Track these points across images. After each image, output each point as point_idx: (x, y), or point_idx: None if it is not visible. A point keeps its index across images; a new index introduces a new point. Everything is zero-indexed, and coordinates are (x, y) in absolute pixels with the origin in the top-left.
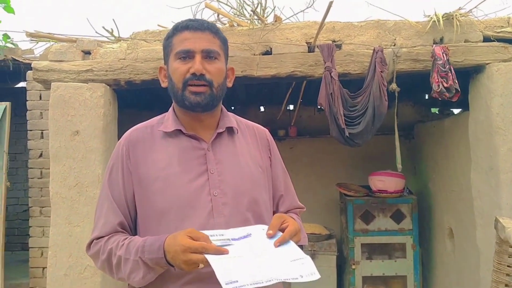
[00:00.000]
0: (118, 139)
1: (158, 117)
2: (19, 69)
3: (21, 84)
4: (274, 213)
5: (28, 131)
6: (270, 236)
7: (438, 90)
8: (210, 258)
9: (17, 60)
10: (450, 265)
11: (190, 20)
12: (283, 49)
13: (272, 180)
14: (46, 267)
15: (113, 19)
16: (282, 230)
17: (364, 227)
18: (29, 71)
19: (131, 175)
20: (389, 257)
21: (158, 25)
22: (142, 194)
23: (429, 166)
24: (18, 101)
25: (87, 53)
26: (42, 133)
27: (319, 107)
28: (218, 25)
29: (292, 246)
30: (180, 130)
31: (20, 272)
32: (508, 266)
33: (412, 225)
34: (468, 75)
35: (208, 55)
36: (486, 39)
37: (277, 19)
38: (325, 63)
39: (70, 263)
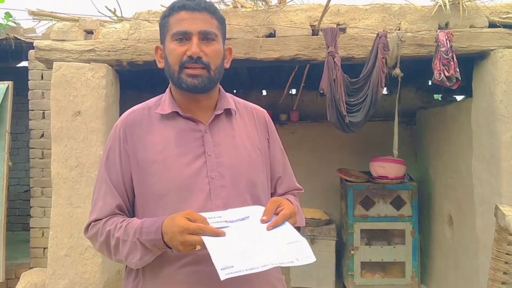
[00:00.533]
0: None
1: (155, 99)
2: (21, 48)
3: (23, 64)
4: (272, 195)
5: (29, 111)
6: (265, 222)
7: (439, 79)
8: (207, 240)
9: (19, 39)
10: (449, 252)
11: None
12: (287, 32)
13: (270, 162)
14: (47, 248)
15: None
16: (278, 214)
17: (364, 213)
18: (31, 50)
19: (129, 158)
20: (388, 243)
21: (161, 6)
22: (140, 176)
23: (430, 153)
24: (20, 80)
25: (89, 32)
26: (43, 113)
27: (321, 92)
28: (222, 6)
29: (288, 228)
30: (177, 112)
31: (21, 252)
32: (507, 253)
33: (411, 212)
34: (472, 61)
35: (205, 37)
36: (492, 25)
37: (281, 1)
38: (328, 47)
39: (71, 244)
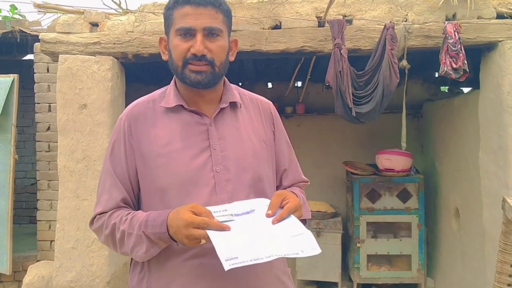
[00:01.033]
0: None
1: (160, 91)
2: (27, 41)
3: (29, 57)
4: (278, 188)
5: (35, 104)
6: (270, 216)
7: (443, 72)
8: (211, 234)
9: (24, 32)
10: (455, 244)
11: None
12: (293, 24)
13: (276, 154)
14: (53, 240)
15: None
16: (283, 208)
17: (370, 206)
18: (36, 43)
19: (134, 151)
20: (394, 236)
21: None
22: (145, 170)
23: (436, 145)
24: (26, 73)
25: (94, 25)
26: (49, 106)
27: (327, 84)
28: None
29: (293, 221)
30: (182, 105)
31: (28, 244)
32: None
33: (418, 204)
34: (479, 52)
35: (209, 33)
36: (500, 16)
37: None
38: (334, 39)
39: (77, 237)
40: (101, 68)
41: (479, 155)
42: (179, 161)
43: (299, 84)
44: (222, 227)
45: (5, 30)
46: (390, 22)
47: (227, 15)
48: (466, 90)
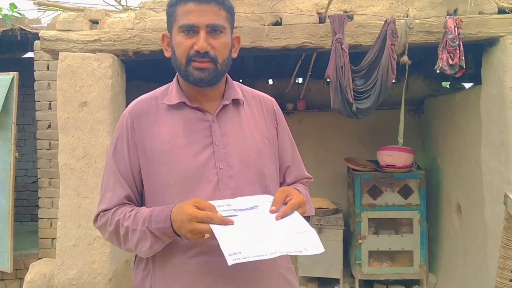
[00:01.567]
0: None
1: (162, 88)
2: (27, 38)
3: (29, 54)
4: (281, 184)
5: (36, 102)
6: (273, 212)
7: (438, 68)
8: (215, 228)
9: (24, 30)
10: (457, 240)
11: None
12: (294, 20)
13: (279, 151)
14: (55, 238)
15: None
16: (286, 204)
17: (372, 202)
18: (36, 41)
19: (137, 148)
20: (396, 232)
21: None
22: (148, 167)
23: (438, 141)
24: (26, 71)
25: (94, 22)
26: (50, 104)
27: (326, 79)
28: None
29: (297, 218)
30: (184, 102)
31: (30, 242)
32: None
33: (419, 201)
34: (481, 48)
35: (213, 30)
36: (501, 11)
37: None
38: (335, 34)
39: (79, 234)
40: (101, 65)
41: (480, 151)
42: (182, 158)
43: (300, 80)
44: (225, 221)
45: (5, 28)
46: (391, 18)
47: (230, 11)
48: (467, 85)
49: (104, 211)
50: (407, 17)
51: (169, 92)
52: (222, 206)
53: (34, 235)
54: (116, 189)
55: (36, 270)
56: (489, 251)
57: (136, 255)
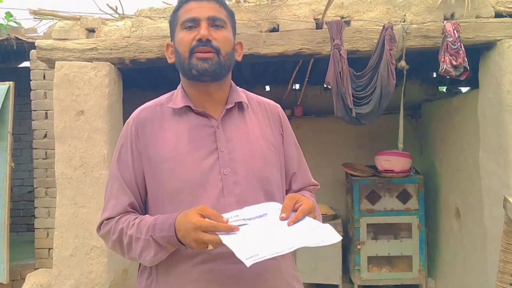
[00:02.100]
0: (123, 119)
1: (167, 95)
2: (23, 48)
3: (25, 64)
4: (287, 191)
5: (32, 111)
6: (284, 219)
7: (442, 71)
8: (225, 239)
9: (20, 39)
10: (456, 245)
11: None
12: (291, 26)
13: (285, 158)
14: (52, 248)
15: None
16: (296, 211)
17: (370, 207)
18: (32, 50)
19: (141, 155)
20: (394, 237)
21: (163, 2)
22: (152, 174)
23: (436, 146)
24: (22, 81)
25: (91, 31)
26: (46, 113)
27: (325, 86)
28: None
29: (308, 220)
30: (189, 106)
31: (26, 253)
32: None
33: (418, 205)
34: (478, 52)
35: (214, 23)
36: (498, 14)
37: None
38: (333, 40)
39: (76, 244)
40: (98, 74)
41: (479, 155)
42: (187, 164)
43: (297, 86)
44: (231, 229)
45: (1, 38)
46: (388, 23)
47: (231, 14)
48: (464, 89)
49: (107, 219)
50: (404, 22)
51: (174, 97)
52: (231, 218)
53: (30, 245)
54: (119, 197)
55: (33, 281)
56: (489, 255)
57: (140, 263)
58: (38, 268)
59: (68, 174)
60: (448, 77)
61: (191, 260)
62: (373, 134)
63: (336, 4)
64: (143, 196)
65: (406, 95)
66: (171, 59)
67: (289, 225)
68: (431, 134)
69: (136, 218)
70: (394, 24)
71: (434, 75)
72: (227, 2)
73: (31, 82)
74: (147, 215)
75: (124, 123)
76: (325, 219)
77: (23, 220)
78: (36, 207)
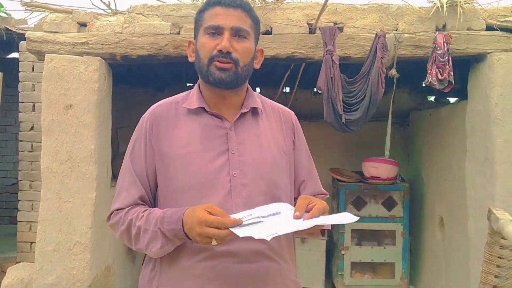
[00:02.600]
0: (112, 115)
1: (183, 94)
2: (12, 39)
3: (14, 55)
4: (295, 199)
5: (19, 103)
6: (298, 218)
7: (427, 82)
8: (241, 234)
9: (10, 30)
10: (439, 253)
11: None
12: (284, 30)
13: (295, 165)
14: (34, 242)
15: None
16: (309, 211)
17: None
18: (22, 42)
19: (154, 150)
20: (378, 243)
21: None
22: (163, 170)
23: (423, 155)
24: (10, 72)
25: (83, 25)
26: (34, 105)
27: (316, 90)
28: None
29: (322, 217)
30: (204, 108)
31: (7, 245)
32: (499, 257)
33: (403, 213)
34: (468, 64)
35: (237, 33)
36: (489, 27)
37: None
38: (326, 46)
39: (59, 239)
40: (88, 68)
41: (465, 166)
42: (197, 163)
43: (288, 90)
44: (237, 222)
45: None
46: (381, 31)
47: (256, 22)
48: (452, 100)
49: (117, 210)
50: (396, 31)
51: (190, 97)
52: (245, 217)
53: (12, 238)
54: (131, 190)
55: (13, 274)
56: (472, 266)
57: (145, 257)
58: (19, 262)
59: (54, 168)
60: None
61: (196, 256)
62: (361, 140)
63: (329, 10)
64: (153, 190)
65: (395, 103)
66: (191, 58)
67: (305, 220)
68: (419, 143)
69: (146, 210)
70: (387, 33)
71: (423, 84)
72: None
73: (19, 73)
74: (156, 208)
75: (112, 119)
76: None
77: (6, 213)
78: (19, 200)
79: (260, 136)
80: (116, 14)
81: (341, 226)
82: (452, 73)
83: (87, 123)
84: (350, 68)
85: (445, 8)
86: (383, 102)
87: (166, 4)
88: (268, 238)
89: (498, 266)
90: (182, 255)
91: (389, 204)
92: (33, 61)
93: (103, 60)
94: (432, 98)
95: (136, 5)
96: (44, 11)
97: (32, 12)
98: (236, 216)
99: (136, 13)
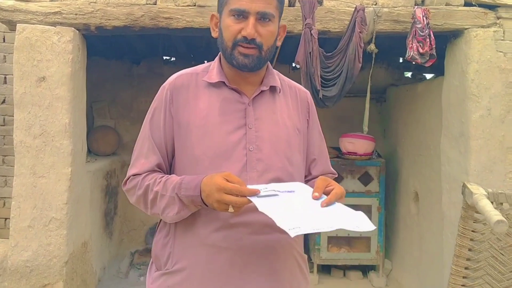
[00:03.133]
0: (86, 88)
1: (204, 66)
2: None
3: None
4: (305, 177)
5: None
6: (316, 198)
7: (409, 57)
8: (260, 206)
9: None
10: (414, 227)
11: None
12: None
13: (307, 143)
14: (8, 218)
15: None
16: (326, 193)
17: None
18: None
19: (172, 119)
20: None
21: None
22: (181, 139)
23: (399, 130)
24: None
25: None
26: (5, 78)
27: (294, 65)
28: None
29: (339, 205)
30: (224, 82)
31: None
32: (472, 231)
33: (379, 188)
34: (445, 39)
35: (262, 17)
36: (467, 3)
37: None
38: (305, 19)
39: (34, 215)
40: (61, 39)
41: (440, 141)
42: (215, 134)
43: None
44: (253, 192)
45: None
46: (360, 5)
47: (281, 1)
48: (429, 76)
49: (134, 175)
50: (375, 5)
51: (210, 70)
52: (261, 190)
53: None
54: (149, 156)
55: None
56: (445, 239)
57: (158, 223)
58: None
59: (27, 143)
60: (414, 63)
61: (210, 225)
62: (338, 116)
63: None
64: (170, 159)
65: (372, 79)
66: (214, 32)
67: (322, 206)
68: (395, 119)
69: (163, 176)
70: (366, 7)
71: (401, 60)
72: None
73: None
74: (173, 174)
75: (87, 92)
76: None
77: None
78: None
79: (276, 113)
80: None
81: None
82: (434, 47)
83: (61, 96)
84: (328, 42)
85: None
86: (361, 78)
87: None
88: (291, 233)
89: (471, 239)
90: (197, 223)
91: (365, 179)
92: (4, 31)
93: (77, 31)
94: (409, 74)
95: None
96: None
97: None
98: (252, 187)
99: None
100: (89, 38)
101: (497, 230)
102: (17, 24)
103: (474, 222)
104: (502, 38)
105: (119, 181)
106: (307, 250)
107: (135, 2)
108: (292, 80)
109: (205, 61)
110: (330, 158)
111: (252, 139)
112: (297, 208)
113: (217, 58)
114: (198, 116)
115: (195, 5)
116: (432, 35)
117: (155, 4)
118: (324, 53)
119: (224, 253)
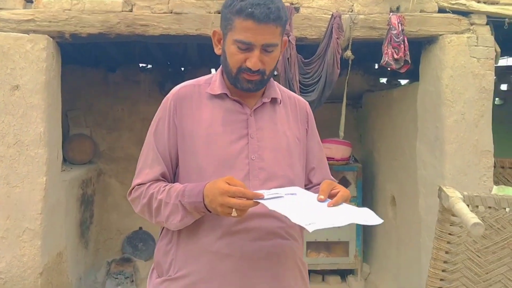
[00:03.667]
0: (62, 96)
1: (206, 77)
2: None
3: None
4: (305, 186)
5: None
6: (322, 201)
7: (384, 63)
8: (271, 205)
9: None
10: (391, 231)
11: (256, 4)
12: None
13: (306, 152)
14: None
15: None
16: (331, 196)
17: None
18: None
19: (176, 130)
20: None
21: None
22: (185, 148)
23: (375, 135)
24: None
25: (29, 1)
26: None
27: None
28: None
29: (346, 205)
30: (226, 94)
31: None
32: (449, 234)
33: (356, 192)
34: (420, 45)
35: (266, 48)
36: (441, 10)
37: None
38: None
39: (7, 226)
40: (35, 47)
41: (416, 146)
42: (218, 144)
43: None
44: (257, 196)
45: None
46: (336, 12)
47: (285, 24)
48: (404, 82)
49: (139, 185)
50: (351, 12)
51: (212, 82)
52: (264, 194)
53: None
54: (153, 166)
55: None
56: (423, 242)
57: (161, 231)
58: None
59: (1, 152)
60: (389, 69)
61: (212, 232)
62: (316, 121)
63: None
64: (174, 168)
65: (349, 85)
66: (217, 49)
67: (329, 206)
68: (371, 124)
69: (167, 185)
70: (342, 13)
71: (376, 66)
72: None
73: None
74: (177, 183)
75: (62, 101)
76: None
77: None
78: None
79: (277, 123)
80: None
81: None
82: (408, 53)
83: (35, 104)
84: (305, 49)
85: None
86: (337, 84)
87: None
88: (309, 228)
89: (448, 242)
90: (200, 230)
91: (343, 184)
92: None
93: (51, 39)
94: (384, 80)
95: None
96: None
97: None
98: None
99: None
100: (63, 45)
101: (474, 233)
102: None
103: (450, 225)
104: (476, 44)
105: (95, 189)
106: None
107: (111, 9)
108: None
109: (182, 68)
110: None
111: (254, 149)
112: (306, 207)
113: (219, 71)
114: (201, 126)
115: (171, 12)
116: (406, 41)
117: (131, 11)
118: (303, 59)
119: (227, 259)
